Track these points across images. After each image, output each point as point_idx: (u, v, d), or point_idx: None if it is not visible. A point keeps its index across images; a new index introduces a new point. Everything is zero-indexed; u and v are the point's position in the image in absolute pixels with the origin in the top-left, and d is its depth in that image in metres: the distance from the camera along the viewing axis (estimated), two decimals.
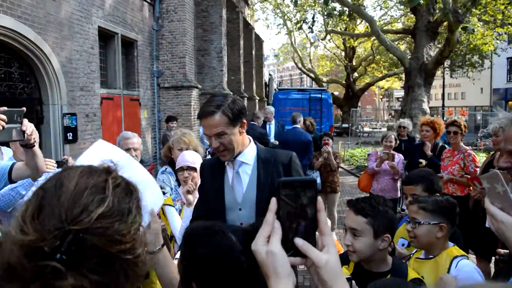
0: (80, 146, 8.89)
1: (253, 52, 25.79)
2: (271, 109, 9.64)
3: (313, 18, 18.81)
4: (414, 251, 2.46)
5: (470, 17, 13.61)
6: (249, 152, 2.41)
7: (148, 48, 12.55)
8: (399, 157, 6.03)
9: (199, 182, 3.21)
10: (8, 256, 0.81)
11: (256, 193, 2.36)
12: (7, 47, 7.26)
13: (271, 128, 9.26)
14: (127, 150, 3.92)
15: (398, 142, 6.44)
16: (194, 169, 3.29)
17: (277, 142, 8.70)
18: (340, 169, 7.76)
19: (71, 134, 8.34)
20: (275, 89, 22.25)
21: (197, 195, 3.02)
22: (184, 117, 12.78)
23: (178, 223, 3.14)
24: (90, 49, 9.35)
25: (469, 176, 4.61)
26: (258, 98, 26.37)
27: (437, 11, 13.55)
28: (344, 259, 2.12)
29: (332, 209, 7.13)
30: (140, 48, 12.01)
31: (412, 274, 1.90)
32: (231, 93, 14.64)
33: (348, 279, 1.63)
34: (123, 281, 0.91)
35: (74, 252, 0.80)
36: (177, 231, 3.10)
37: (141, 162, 4.32)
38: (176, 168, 3.44)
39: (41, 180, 2.81)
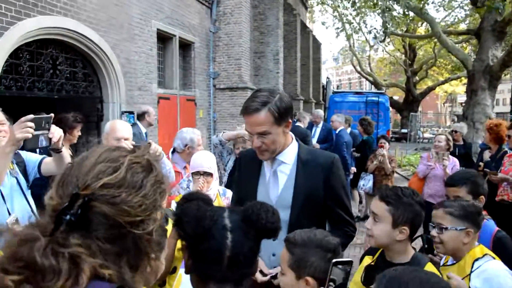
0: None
1: (311, 55, 25.68)
2: (320, 112, 9.77)
3: (384, 30, 18.51)
4: (443, 258, 2.44)
5: None
6: (289, 151, 2.29)
7: (205, 50, 12.88)
8: (453, 162, 5.79)
9: (211, 185, 3.08)
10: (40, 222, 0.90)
11: (292, 195, 2.25)
12: (73, 48, 7.75)
13: (317, 131, 9.33)
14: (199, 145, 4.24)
15: (451, 145, 6.14)
16: (211, 174, 3.06)
17: (318, 145, 8.79)
18: (396, 175, 7.59)
19: None
20: (332, 92, 22.05)
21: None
22: (239, 118, 12.96)
23: None
24: (149, 51, 9.75)
25: None
26: (315, 101, 26.22)
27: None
28: (372, 250, 2.16)
29: None
30: (197, 50, 12.35)
31: (429, 268, 1.83)
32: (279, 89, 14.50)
33: (349, 262, 1.62)
34: (136, 257, 0.95)
35: (82, 215, 0.87)
36: None
37: None
38: (191, 171, 3.17)
39: None
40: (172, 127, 10.97)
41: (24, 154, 2.96)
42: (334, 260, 1.63)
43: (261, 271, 2.16)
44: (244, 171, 2.52)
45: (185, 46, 12.02)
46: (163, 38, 10.89)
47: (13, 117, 5.98)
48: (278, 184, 2.29)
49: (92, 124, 8.51)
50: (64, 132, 4.65)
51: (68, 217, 0.86)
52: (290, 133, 2.36)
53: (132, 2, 9.04)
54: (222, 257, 1.26)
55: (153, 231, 0.96)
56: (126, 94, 8.91)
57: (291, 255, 1.69)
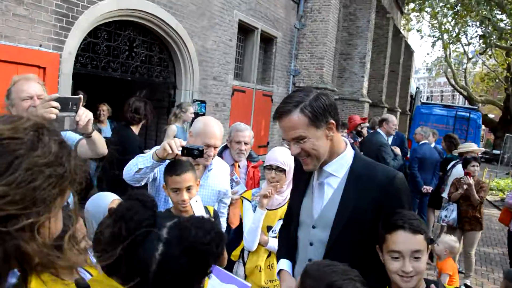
0: None
1: (401, 62, 24.46)
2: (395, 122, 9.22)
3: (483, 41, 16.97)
4: None
5: None
6: (341, 162, 1.93)
7: (288, 45, 12.52)
8: None
9: (285, 187, 2.90)
10: None
11: (335, 212, 1.89)
12: (150, 32, 7.73)
13: (389, 140, 8.76)
14: (238, 142, 3.79)
15: None
16: (284, 171, 2.84)
17: (398, 149, 8.09)
18: None
19: None
20: (419, 103, 20.82)
21: (274, 200, 2.80)
22: None
23: (249, 220, 2.87)
24: (228, 41, 9.57)
25: None
26: (400, 110, 24.91)
27: None
28: None
29: (469, 250, 5.92)
30: (279, 45, 12.02)
31: None
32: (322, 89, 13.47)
33: None
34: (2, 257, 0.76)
35: None
36: (246, 228, 2.86)
37: (249, 156, 4.18)
38: (265, 164, 2.96)
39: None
40: (244, 121, 10.72)
41: (64, 132, 2.75)
42: None
43: None
44: (296, 179, 2.23)
45: (267, 40, 11.74)
46: (245, 30, 10.68)
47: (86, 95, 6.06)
48: (323, 199, 1.96)
49: (163, 109, 8.51)
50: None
51: None
52: (345, 139, 1.98)
53: None
54: (147, 270, 1.06)
55: (36, 227, 0.77)
56: (200, 83, 8.79)
57: (301, 285, 1.58)
